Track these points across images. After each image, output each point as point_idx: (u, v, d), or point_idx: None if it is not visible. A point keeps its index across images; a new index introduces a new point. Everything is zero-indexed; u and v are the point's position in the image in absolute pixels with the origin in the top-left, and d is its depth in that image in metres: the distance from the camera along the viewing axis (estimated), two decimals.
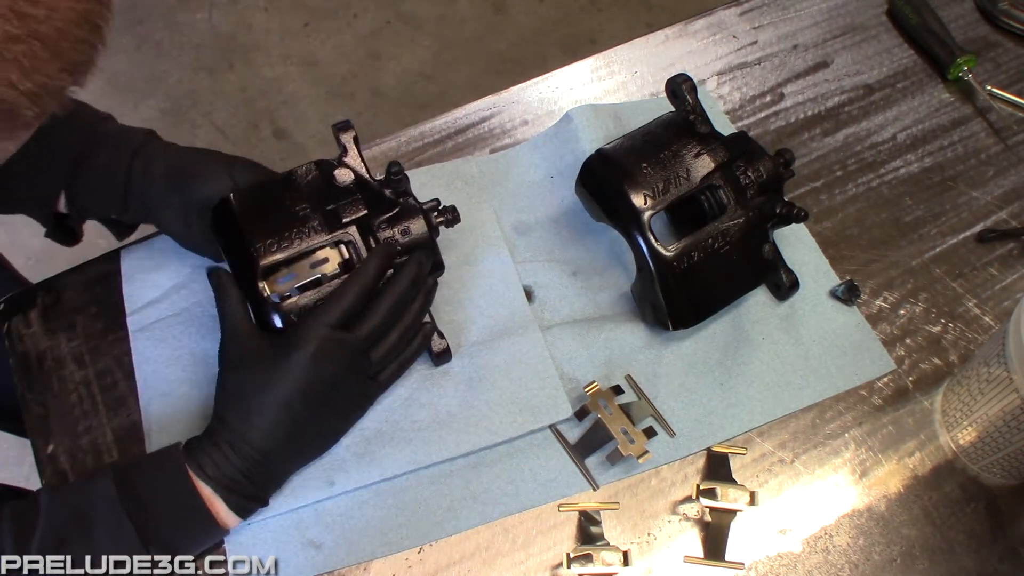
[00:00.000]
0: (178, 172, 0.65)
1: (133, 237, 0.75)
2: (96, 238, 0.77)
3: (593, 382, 0.68)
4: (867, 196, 0.82)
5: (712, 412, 0.69)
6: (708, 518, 0.64)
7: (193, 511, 0.56)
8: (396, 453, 0.64)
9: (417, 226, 0.65)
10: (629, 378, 0.70)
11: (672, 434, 0.68)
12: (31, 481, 1.70)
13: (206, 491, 0.57)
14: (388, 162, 0.65)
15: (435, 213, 0.67)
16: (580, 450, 0.66)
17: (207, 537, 0.59)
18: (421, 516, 0.63)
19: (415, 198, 0.66)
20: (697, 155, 0.70)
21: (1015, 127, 0.86)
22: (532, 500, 0.64)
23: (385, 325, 0.62)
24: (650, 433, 0.66)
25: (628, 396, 0.68)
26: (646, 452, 0.64)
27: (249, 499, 0.59)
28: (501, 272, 0.73)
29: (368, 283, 0.61)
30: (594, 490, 0.65)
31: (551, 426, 0.67)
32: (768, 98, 0.88)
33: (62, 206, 0.68)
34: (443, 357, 0.68)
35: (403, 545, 0.62)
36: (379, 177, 0.67)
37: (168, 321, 0.69)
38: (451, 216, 0.67)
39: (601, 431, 0.66)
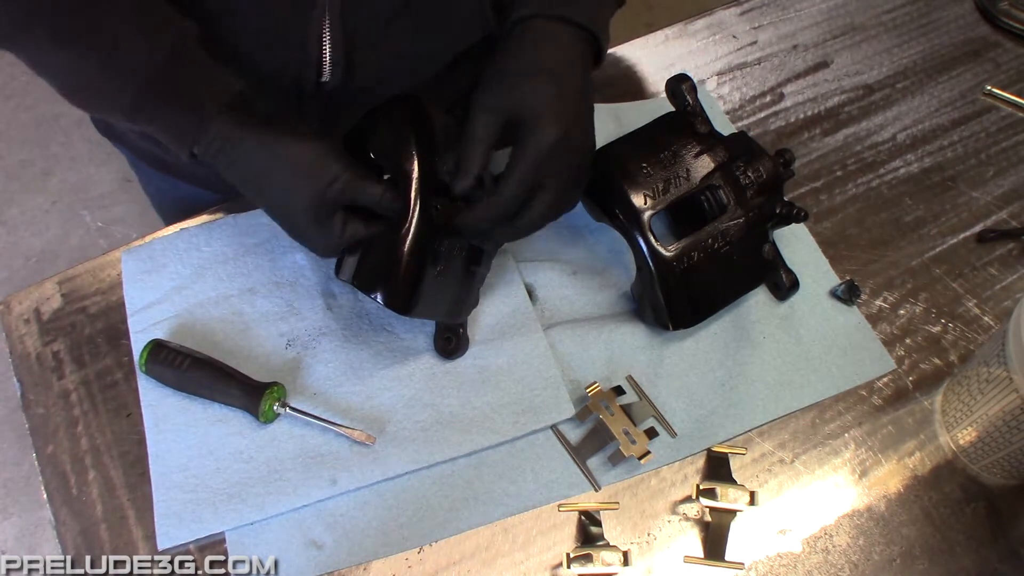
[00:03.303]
0: None
1: (134, 239, 0.75)
2: (96, 238, 0.78)
3: (595, 383, 0.68)
4: (867, 196, 0.82)
5: (713, 412, 0.69)
6: (708, 518, 0.64)
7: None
8: (399, 452, 0.65)
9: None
10: (630, 378, 0.70)
11: (674, 434, 0.68)
12: (31, 481, 1.70)
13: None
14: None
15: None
16: (582, 451, 0.66)
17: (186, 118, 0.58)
18: (423, 516, 0.63)
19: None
20: (697, 155, 0.70)
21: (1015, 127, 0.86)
22: (534, 500, 0.64)
23: None
24: (652, 434, 0.66)
25: (629, 397, 0.68)
26: (648, 453, 0.65)
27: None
28: (503, 271, 0.73)
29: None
30: (596, 491, 0.65)
31: (553, 427, 0.67)
32: (768, 98, 0.88)
33: None
34: (459, 351, 0.69)
35: (404, 545, 0.62)
36: None
37: (170, 322, 0.70)
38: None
39: (603, 432, 0.66)
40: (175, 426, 0.65)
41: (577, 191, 0.65)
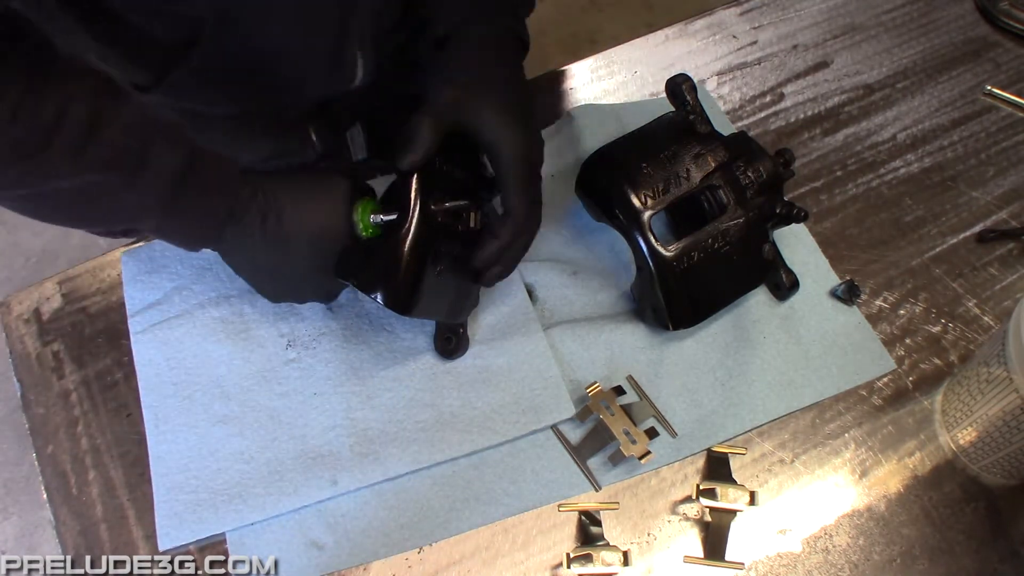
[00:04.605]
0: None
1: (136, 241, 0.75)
2: (97, 238, 0.78)
3: (595, 383, 0.68)
4: (867, 196, 0.82)
5: (714, 412, 0.69)
6: (708, 518, 0.64)
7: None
8: (399, 452, 0.65)
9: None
10: (631, 378, 0.70)
11: (674, 434, 0.68)
12: (31, 481, 1.70)
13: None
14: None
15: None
16: (582, 451, 0.66)
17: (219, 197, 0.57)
18: (423, 516, 0.63)
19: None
20: (697, 155, 0.70)
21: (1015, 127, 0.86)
22: (534, 500, 0.64)
23: None
24: (652, 434, 0.66)
25: (630, 397, 0.68)
26: (648, 453, 0.65)
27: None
28: None
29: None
30: (596, 491, 0.65)
31: (553, 427, 0.67)
32: (768, 98, 0.88)
33: None
34: (459, 351, 0.69)
35: (405, 546, 0.62)
36: None
37: (170, 323, 0.69)
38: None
39: (603, 432, 0.66)
40: (176, 427, 0.65)
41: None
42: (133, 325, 0.70)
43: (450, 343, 0.69)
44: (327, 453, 0.64)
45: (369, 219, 0.61)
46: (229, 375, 0.68)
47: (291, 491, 0.63)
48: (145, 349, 0.69)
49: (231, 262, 0.63)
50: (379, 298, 0.60)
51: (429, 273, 0.61)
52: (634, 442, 0.65)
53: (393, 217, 0.60)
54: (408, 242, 0.59)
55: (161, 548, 0.61)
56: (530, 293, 0.73)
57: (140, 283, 0.72)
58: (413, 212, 0.60)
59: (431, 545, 0.63)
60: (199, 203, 0.56)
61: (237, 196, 0.57)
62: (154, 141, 0.52)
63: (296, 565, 0.61)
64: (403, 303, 0.60)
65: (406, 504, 0.64)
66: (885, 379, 0.72)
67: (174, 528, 0.62)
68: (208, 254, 0.72)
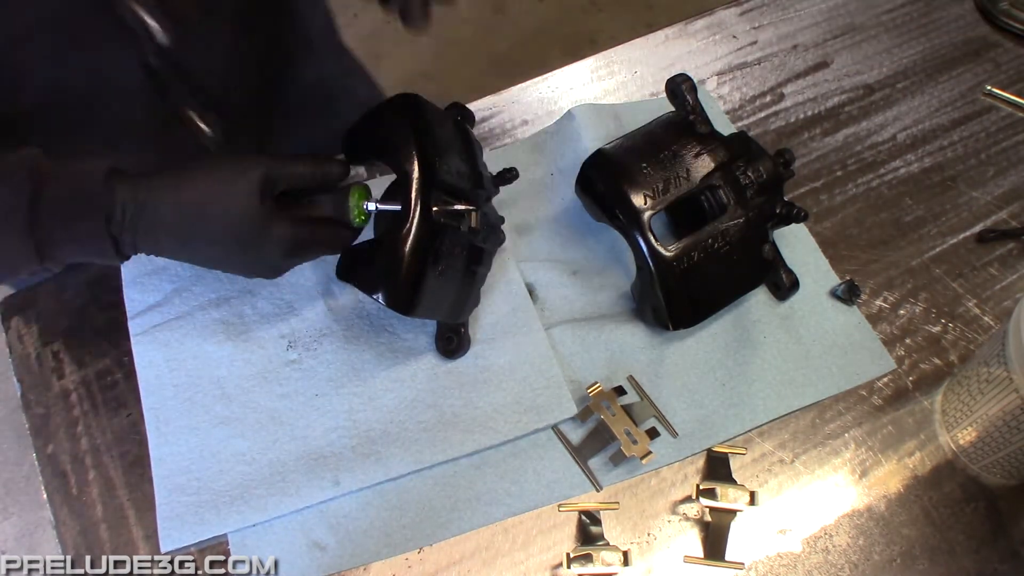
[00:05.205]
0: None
1: None
2: None
3: (596, 383, 0.68)
4: (867, 196, 0.82)
5: (714, 412, 0.69)
6: (708, 518, 0.64)
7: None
8: (401, 453, 0.65)
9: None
10: (631, 379, 0.70)
11: (675, 435, 0.68)
12: (31, 481, 1.70)
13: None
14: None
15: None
16: (583, 451, 0.66)
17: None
18: (425, 517, 0.63)
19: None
20: (697, 155, 0.70)
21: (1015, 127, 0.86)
22: (536, 501, 0.64)
23: None
24: (653, 434, 0.66)
25: (630, 397, 0.68)
26: (649, 453, 0.65)
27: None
28: (503, 269, 0.73)
29: None
30: (597, 491, 0.65)
31: (554, 427, 0.67)
32: (768, 98, 0.88)
33: None
34: (460, 350, 0.69)
35: (407, 547, 0.62)
36: None
37: (170, 324, 0.69)
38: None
39: (604, 432, 0.66)
40: (177, 429, 0.65)
41: None
42: (133, 327, 0.70)
43: (451, 343, 0.69)
44: (329, 454, 0.64)
45: (363, 206, 0.61)
46: (230, 376, 0.68)
47: (293, 492, 0.63)
48: (145, 351, 0.69)
49: (153, 244, 0.57)
50: (381, 298, 0.60)
51: (430, 273, 0.61)
52: (635, 442, 0.65)
53: (391, 208, 0.60)
54: (409, 243, 0.59)
55: (163, 550, 0.61)
56: (530, 293, 0.73)
57: (140, 285, 0.72)
58: (414, 213, 0.60)
59: (431, 545, 0.63)
60: (68, 242, 0.52)
61: (112, 204, 0.53)
62: None
63: (298, 566, 0.61)
64: (405, 303, 0.61)
65: (408, 504, 0.64)
66: (885, 379, 0.72)
67: (176, 530, 0.62)
68: None
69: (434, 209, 0.60)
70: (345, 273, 0.62)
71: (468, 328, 0.70)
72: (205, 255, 0.59)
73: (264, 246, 0.58)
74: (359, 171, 0.63)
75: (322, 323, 0.70)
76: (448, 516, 0.64)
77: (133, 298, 0.71)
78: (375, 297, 0.60)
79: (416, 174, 0.60)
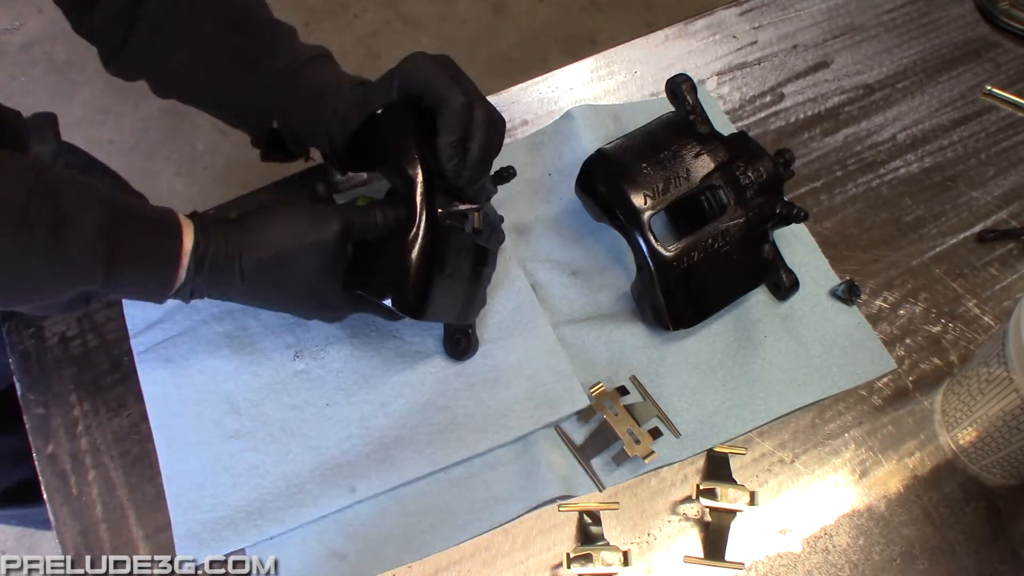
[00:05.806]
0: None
1: None
2: None
3: (598, 383, 0.68)
4: (867, 196, 0.82)
5: (716, 412, 0.69)
6: (708, 518, 0.64)
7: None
8: (416, 456, 0.64)
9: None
10: (634, 379, 0.70)
11: (677, 434, 0.68)
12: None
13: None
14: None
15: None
16: (586, 451, 0.66)
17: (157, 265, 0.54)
18: (443, 520, 0.63)
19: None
20: (697, 155, 0.70)
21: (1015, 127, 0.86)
22: (549, 492, 0.64)
23: None
24: (655, 434, 0.66)
25: (633, 397, 0.68)
26: (652, 452, 0.65)
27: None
28: (505, 268, 0.73)
29: None
30: (600, 491, 0.65)
31: (557, 428, 0.67)
32: (768, 98, 0.88)
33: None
34: (469, 351, 0.69)
35: (427, 551, 0.62)
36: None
37: (173, 341, 0.69)
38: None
39: (607, 432, 0.66)
40: (187, 445, 0.65)
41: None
42: (136, 345, 0.68)
43: (459, 344, 0.69)
44: (344, 463, 0.64)
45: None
46: (238, 389, 0.67)
47: (310, 502, 0.62)
48: (150, 369, 0.67)
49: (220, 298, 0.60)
50: (391, 303, 0.60)
51: (438, 276, 0.61)
52: (638, 442, 0.65)
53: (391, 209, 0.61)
54: (417, 246, 0.59)
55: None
56: None
57: (139, 303, 0.70)
58: (420, 217, 0.60)
59: (450, 548, 0.62)
60: (138, 258, 0.53)
61: (181, 243, 0.54)
62: (67, 195, 0.48)
63: None
64: (415, 307, 0.61)
65: (425, 509, 0.63)
66: (885, 379, 0.72)
67: (194, 548, 0.61)
68: None
69: (439, 211, 0.60)
70: (353, 282, 0.62)
71: (475, 328, 0.69)
72: (274, 301, 0.61)
73: (338, 298, 0.62)
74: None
75: (328, 331, 0.70)
76: (466, 518, 0.63)
77: (134, 316, 0.70)
78: (384, 303, 0.60)
79: (420, 178, 0.60)
